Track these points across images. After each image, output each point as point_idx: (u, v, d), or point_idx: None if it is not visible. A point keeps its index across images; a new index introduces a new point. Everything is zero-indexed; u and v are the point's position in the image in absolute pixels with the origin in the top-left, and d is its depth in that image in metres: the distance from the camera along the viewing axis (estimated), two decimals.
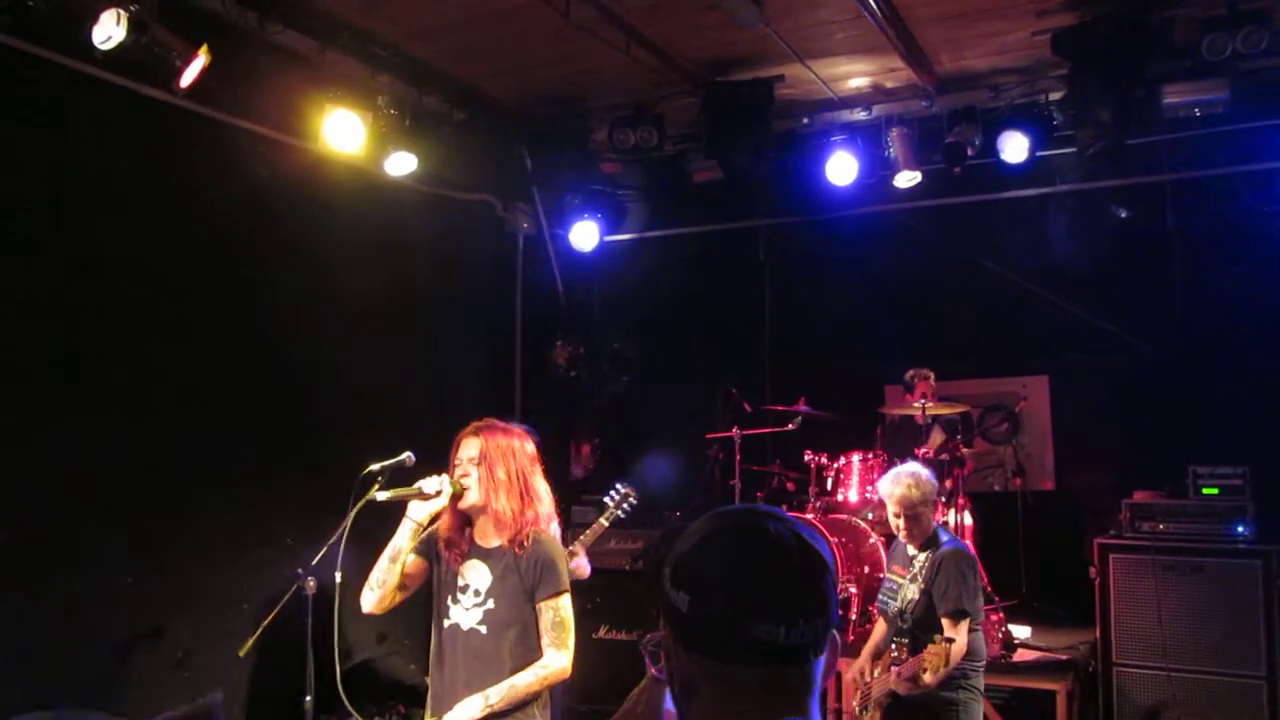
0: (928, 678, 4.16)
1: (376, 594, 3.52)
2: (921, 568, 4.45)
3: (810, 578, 1.38)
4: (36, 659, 4.55)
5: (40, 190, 4.80)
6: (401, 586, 3.57)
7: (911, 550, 4.56)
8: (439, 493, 3.46)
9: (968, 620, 4.31)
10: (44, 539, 4.66)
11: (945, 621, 4.30)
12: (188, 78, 4.78)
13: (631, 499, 4.63)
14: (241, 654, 3.73)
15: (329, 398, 6.05)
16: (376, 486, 3.43)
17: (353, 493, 3.44)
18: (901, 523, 4.53)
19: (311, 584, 3.71)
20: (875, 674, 4.55)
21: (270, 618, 3.68)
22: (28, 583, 4.55)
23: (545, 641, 3.47)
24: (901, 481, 4.51)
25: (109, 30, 4.43)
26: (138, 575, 5.06)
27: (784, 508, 6.78)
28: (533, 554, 3.47)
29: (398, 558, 3.50)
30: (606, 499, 4.71)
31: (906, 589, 4.48)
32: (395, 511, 3.52)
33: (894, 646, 4.40)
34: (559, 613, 3.47)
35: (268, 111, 5.71)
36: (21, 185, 4.71)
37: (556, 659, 3.46)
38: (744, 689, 1.37)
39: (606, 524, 4.64)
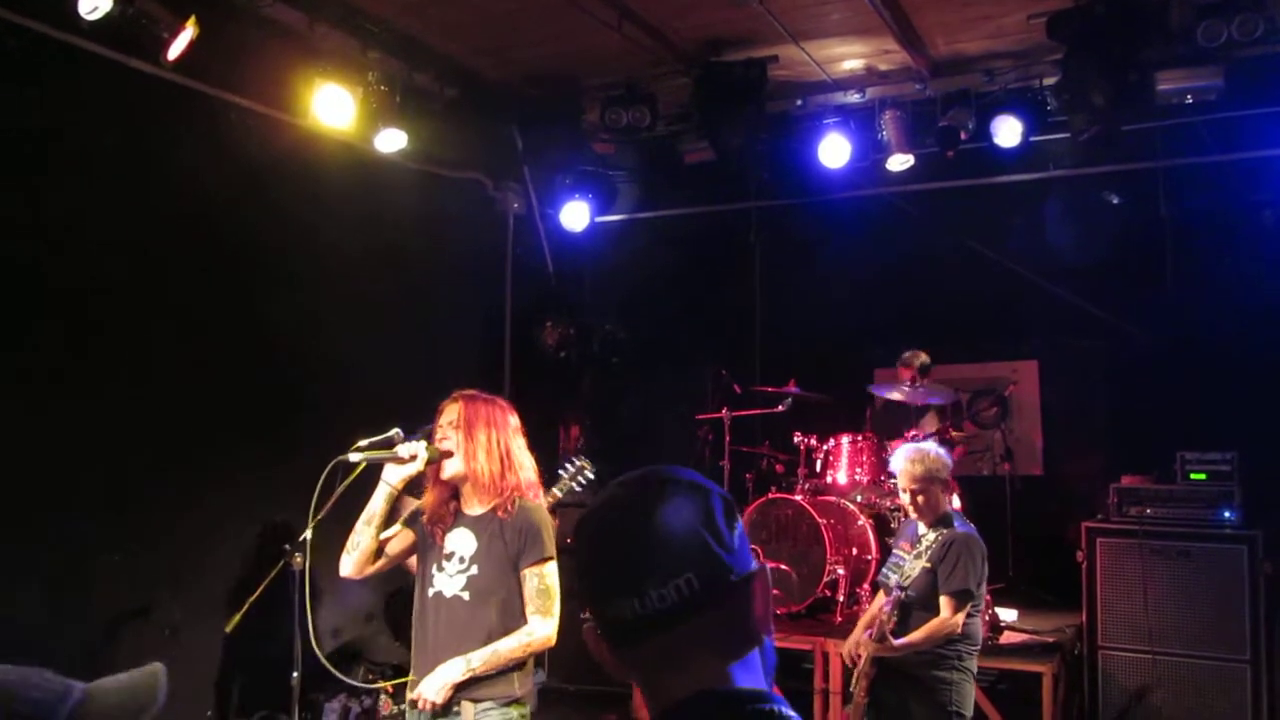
0: (897, 641, 4.23)
1: (352, 557, 3.53)
2: (929, 546, 4.45)
3: (653, 543, 1.28)
4: (25, 635, 4.53)
5: (24, 164, 4.74)
6: (381, 554, 3.57)
7: (922, 529, 4.57)
8: (413, 457, 3.45)
9: (969, 604, 4.33)
10: (32, 516, 4.63)
11: (944, 599, 4.31)
12: (175, 50, 4.74)
13: (588, 472, 4.50)
14: (229, 629, 3.72)
15: (316, 376, 6.01)
16: (358, 459, 3.41)
17: (338, 477, 3.42)
18: (908, 498, 4.54)
19: (299, 560, 3.69)
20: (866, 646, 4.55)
21: (256, 594, 3.66)
22: (16, 559, 4.52)
23: (530, 609, 3.44)
24: (909, 457, 4.54)
25: (95, 1, 4.38)
26: (126, 552, 5.04)
27: (772, 490, 6.82)
28: (517, 520, 3.45)
29: (372, 521, 3.51)
30: (560, 471, 4.55)
31: (910, 564, 4.49)
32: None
33: (885, 616, 4.40)
34: (544, 580, 3.45)
35: (256, 86, 5.66)
36: (4, 158, 4.65)
37: (542, 626, 3.44)
38: (640, 665, 1.33)
39: (560, 494, 4.54)
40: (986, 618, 5.99)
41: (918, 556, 4.47)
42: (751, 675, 1.32)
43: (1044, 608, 6.75)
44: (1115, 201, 7.13)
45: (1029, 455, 7.86)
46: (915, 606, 4.39)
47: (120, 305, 5.12)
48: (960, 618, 4.29)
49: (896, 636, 4.33)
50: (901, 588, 4.42)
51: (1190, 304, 6.91)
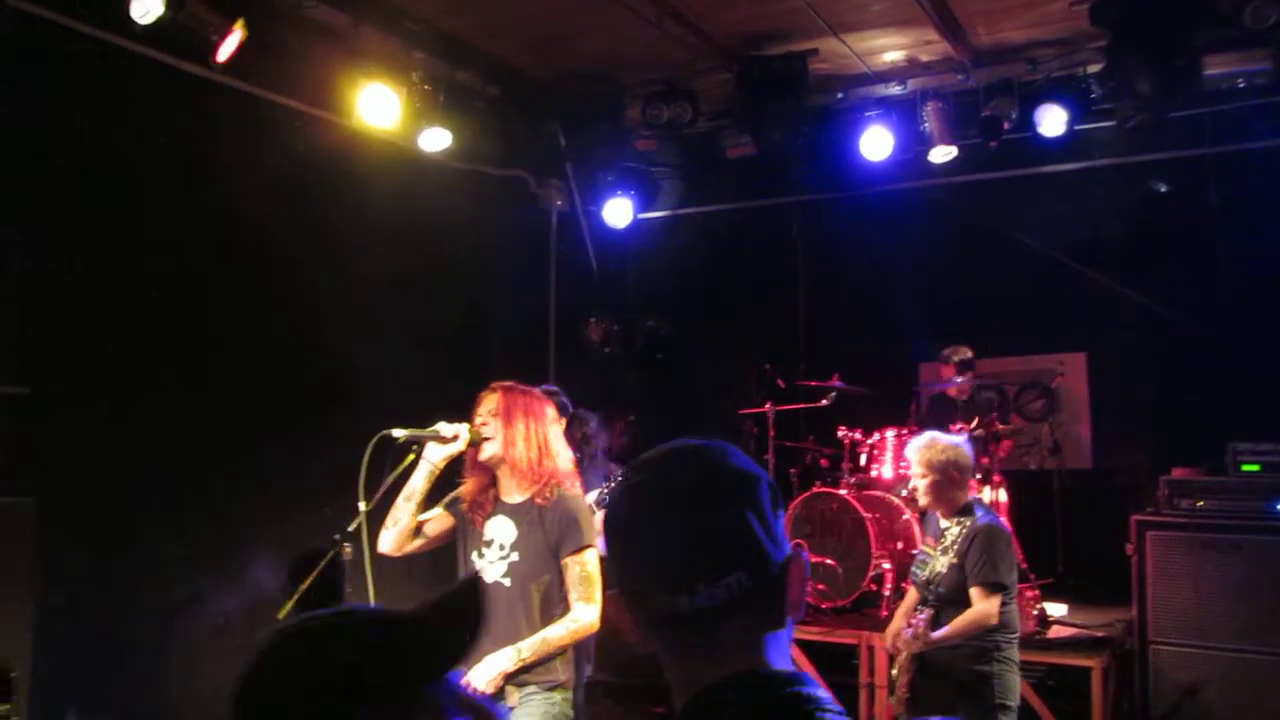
0: (934, 635, 4.24)
1: (392, 533, 3.62)
2: (954, 540, 4.40)
3: (707, 539, 1.27)
4: (82, 622, 4.65)
5: (79, 166, 4.85)
6: (420, 533, 3.65)
7: (944, 522, 4.53)
8: (455, 437, 3.54)
9: (1001, 593, 4.29)
10: (90, 507, 4.74)
11: (975, 592, 4.28)
12: (224, 52, 4.85)
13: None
14: (280, 617, 3.80)
15: (362, 371, 6.09)
16: (405, 435, 3.50)
17: (387, 464, 3.50)
18: (924, 485, 4.49)
19: (348, 550, 3.77)
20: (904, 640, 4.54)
21: (308, 582, 3.72)
22: (75, 549, 4.64)
23: (573, 596, 3.50)
24: (925, 443, 4.52)
25: (147, 5, 4.50)
26: (179, 543, 5.15)
27: (817, 484, 6.79)
28: (556, 509, 3.52)
29: (413, 497, 3.60)
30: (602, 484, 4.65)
31: (936, 560, 4.45)
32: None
33: (919, 612, 4.40)
34: (585, 567, 3.50)
35: (303, 87, 5.76)
36: (59, 160, 4.76)
37: (586, 612, 3.49)
38: (674, 647, 1.32)
39: (594, 505, 4.59)
40: (1035, 611, 5.95)
41: (944, 552, 4.43)
42: (783, 656, 1.32)
43: (1093, 602, 6.67)
44: (1163, 190, 7.02)
45: (1077, 449, 7.76)
46: (947, 603, 4.37)
47: (172, 303, 5.23)
48: (994, 607, 4.25)
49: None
50: (931, 584, 4.41)
51: (1241, 293, 6.79)
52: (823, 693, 1.26)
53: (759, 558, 1.28)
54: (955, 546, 4.39)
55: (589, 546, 3.51)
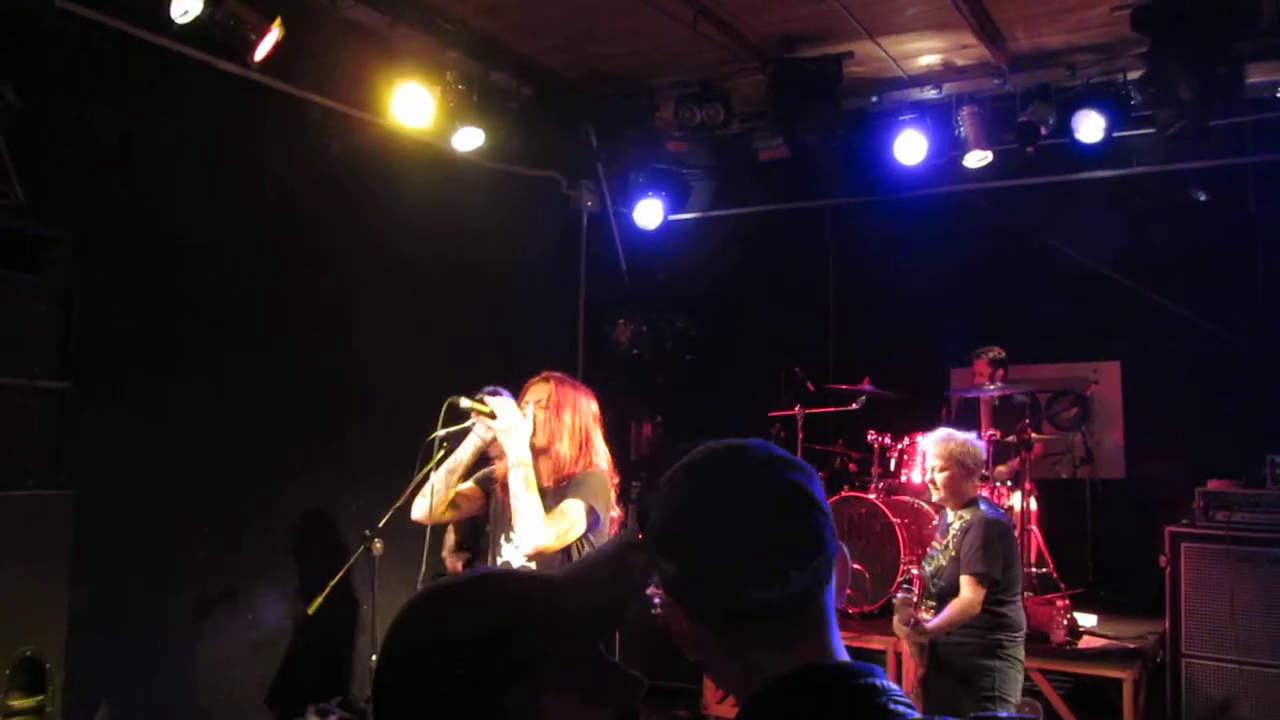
0: (928, 625, 4.32)
1: (427, 502, 3.60)
2: (954, 535, 4.47)
3: (796, 527, 1.29)
4: (115, 616, 4.69)
5: (116, 163, 4.88)
6: (454, 505, 3.66)
7: (950, 517, 4.60)
8: None
9: (988, 585, 4.30)
10: (125, 502, 4.78)
11: (963, 580, 4.32)
12: (262, 51, 4.87)
13: None
14: (311, 611, 3.83)
15: (392, 369, 6.11)
16: (444, 435, 3.51)
17: (420, 451, 3.52)
18: (943, 478, 4.52)
19: (378, 545, 3.79)
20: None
21: (338, 577, 3.77)
22: (110, 543, 4.68)
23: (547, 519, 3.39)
24: (940, 438, 4.59)
25: (186, 4, 4.53)
26: (211, 539, 5.19)
27: (845, 488, 6.75)
28: (571, 484, 3.49)
29: (456, 469, 3.61)
30: None
31: (940, 555, 4.53)
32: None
33: (923, 608, 4.44)
34: (563, 507, 3.42)
35: (339, 86, 5.79)
36: (100, 159, 4.80)
37: (543, 532, 3.38)
38: (751, 648, 1.30)
39: None
40: (1065, 621, 5.90)
41: (945, 549, 4.50)
42: (841, 646, 1.32)
43: (1124, 613, 6.60)
44: (1202, 198, 6.93)
45: (1110, 458, 7.68)
46: (946, 596, 4.42)
47: (209, 303, 5.26)
48: (978, 596, 4.28)
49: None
50: (935, 579, 4.48)
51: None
52: (894, 685, 1.26)
53: (828, 540, 1.31)
54: (954, 540, 4.46)
55: (583, 502, 3.43)
